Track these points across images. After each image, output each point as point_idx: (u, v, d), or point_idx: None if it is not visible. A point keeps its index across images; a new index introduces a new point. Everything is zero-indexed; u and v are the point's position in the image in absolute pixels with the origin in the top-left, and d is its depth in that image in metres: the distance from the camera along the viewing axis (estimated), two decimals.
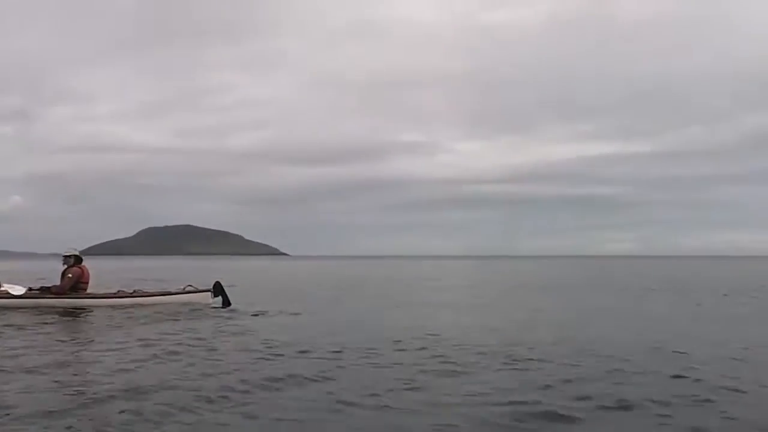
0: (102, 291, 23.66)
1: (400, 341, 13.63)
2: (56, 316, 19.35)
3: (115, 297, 22.59)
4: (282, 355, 11.99)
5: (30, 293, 22.25)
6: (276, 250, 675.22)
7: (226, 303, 21.82)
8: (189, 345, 13.25)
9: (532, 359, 11.41)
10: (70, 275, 22.18)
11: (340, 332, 15.45)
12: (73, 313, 20.47)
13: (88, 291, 22.91)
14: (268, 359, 11.55)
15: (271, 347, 12.79)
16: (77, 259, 22.87)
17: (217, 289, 22.22)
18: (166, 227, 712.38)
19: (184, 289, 22.90)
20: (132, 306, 21.70)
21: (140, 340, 13.90)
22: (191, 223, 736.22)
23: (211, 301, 22.11)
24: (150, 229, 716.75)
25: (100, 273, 59.77)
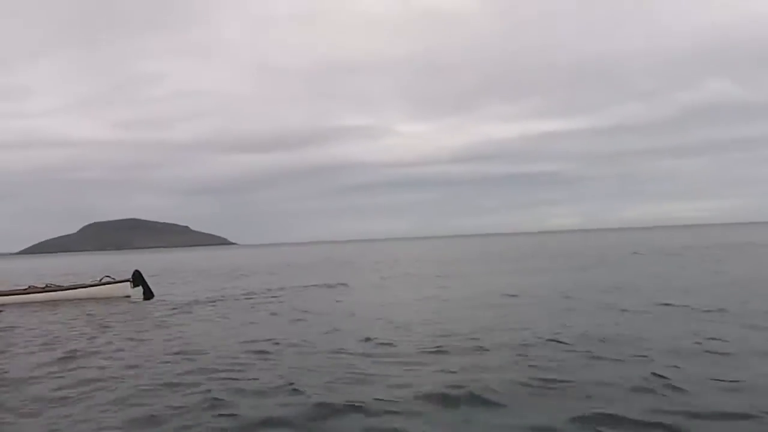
0: (12, 288, 21.79)
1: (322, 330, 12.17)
2: None
3: (25, 293, 20.74)
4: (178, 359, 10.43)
5: None
6: (224, 240, 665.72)
7: (148, 293, 20.07)
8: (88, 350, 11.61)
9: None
10: None
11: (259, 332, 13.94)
12: None
13: None
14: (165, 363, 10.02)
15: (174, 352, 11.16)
16: None
17: (137, 279, 20.42)
18: (111, 222, 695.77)
19: (100, 280, 21.08)
20: (43, 302, 19.91)
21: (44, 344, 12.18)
22: (137, 217, 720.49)
23: (130, 292, 20.34)
24: (94, 224, 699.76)
25: (37, 271, 57.22)
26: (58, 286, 21.60)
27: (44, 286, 21.38)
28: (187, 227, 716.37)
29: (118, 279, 20.97)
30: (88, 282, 21.64)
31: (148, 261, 78.78)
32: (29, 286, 21.47)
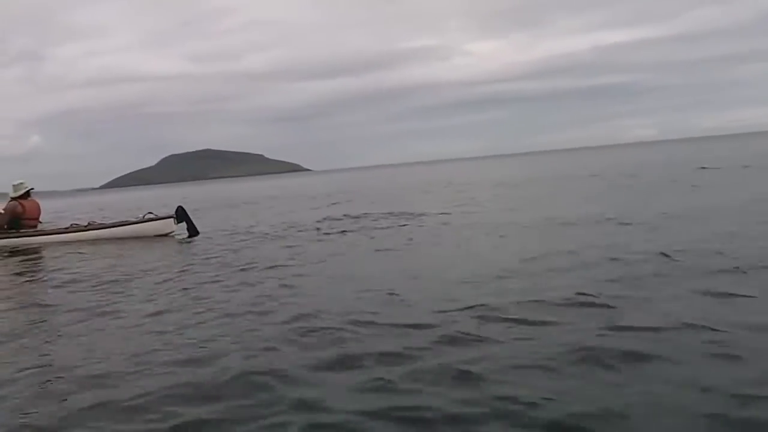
0: (54, 226, 20.40)
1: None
2: None
3: (66, 232, 19.27)
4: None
5: None
6: (299, 166, 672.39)
7: (192, 229, 18.33)
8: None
9: None
10: (2, 211, 18.95)
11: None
12: (14, 252, 17.22)
13: (39, 228, 19.68)
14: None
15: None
16: (25, 194, 19.52)
17: (180, 215, 18.70)
18: (187, 153, 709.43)
19: (143, 217, 19.42)
20: (84, 240, 18.41)
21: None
22: (211, 147, 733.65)
23: (174, 228, 18.65)
24: (171, 156, 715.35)
25: (110, 204, 57.22)
26: (101, 223, 20.03)
27: (86, 224, 19.89)
28: (261, 155, 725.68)
29: (161, 215, 19.30)
30: (131, 219, 20.02)
31: (221, 191, 78.41)
32: (71, 224, 20.00)
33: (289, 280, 9.42)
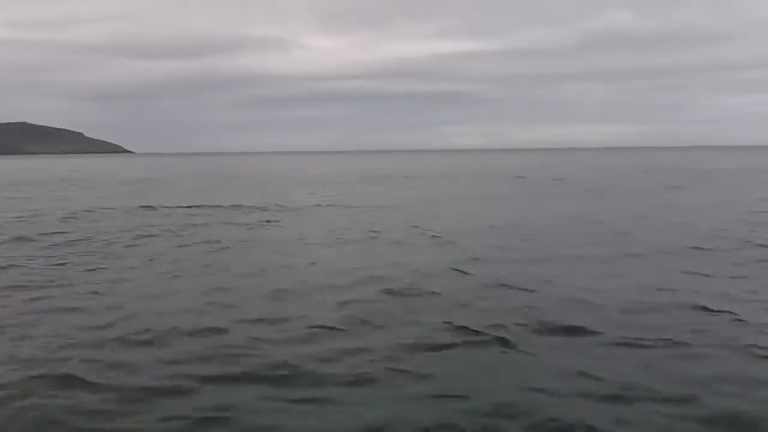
0: None
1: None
2: None
3: None
4: None
5: None
6: (120, 147, 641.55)
7: None
8: None
9: None
10: None
11: None
12: None
13: None
14: None
15: None
16: None
17: None
18: None
19: None
20: None
21: None
22: (27, 121, 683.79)
23: None
24: None
25: None
26: None
27: None
28: (81, 134, 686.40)
29: None
30: None
31: (26, 167, 72.76)
32: None
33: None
